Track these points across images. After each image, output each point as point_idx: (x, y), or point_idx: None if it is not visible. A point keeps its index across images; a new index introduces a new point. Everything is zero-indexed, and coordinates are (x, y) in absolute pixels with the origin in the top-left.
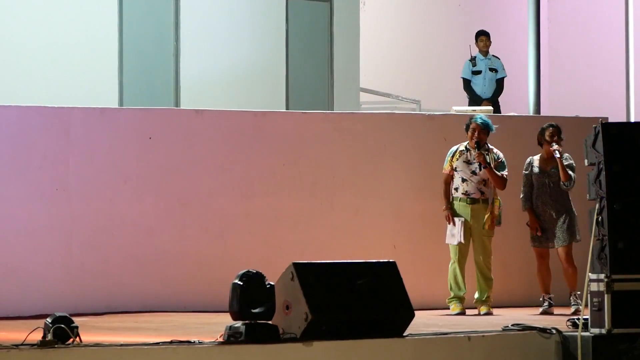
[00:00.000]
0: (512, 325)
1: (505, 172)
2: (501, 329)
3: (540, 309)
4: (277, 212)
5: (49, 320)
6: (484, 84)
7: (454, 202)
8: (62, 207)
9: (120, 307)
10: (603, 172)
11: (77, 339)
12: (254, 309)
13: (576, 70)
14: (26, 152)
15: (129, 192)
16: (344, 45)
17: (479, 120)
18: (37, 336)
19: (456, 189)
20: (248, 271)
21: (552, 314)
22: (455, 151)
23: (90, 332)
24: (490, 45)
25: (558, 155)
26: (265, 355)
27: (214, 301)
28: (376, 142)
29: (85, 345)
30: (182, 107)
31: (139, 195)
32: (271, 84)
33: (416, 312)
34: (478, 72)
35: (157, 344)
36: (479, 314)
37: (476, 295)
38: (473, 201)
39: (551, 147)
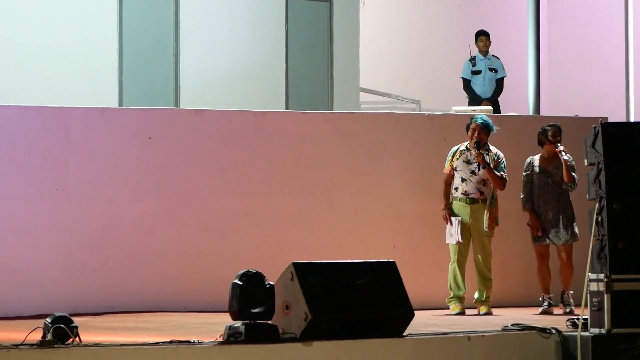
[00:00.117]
0: (511, 325)
1: (504, 172)
2: (501, 329)
3: (540, 309)
4: (277, 212)
5: (48, 320)
6: (484, 83)
7: (454, 202)
8: (62, 207)
9: (120, 307)
10: (603, 172)
11: (77, 339)
12: (253, 308)
13: (576, 70)
14: (26, 152)
15: (129, 192)
16: (343, 45)
17: (479, 120)
18: (37, 336)
19: (456, 189)
20: (248, 271)
21: (551, 313)
22: (456, 151)
23: (90, 332)
24: (490, 45)
25: (565, 157)
26: (264, 355)
27: (214, 301)
28: (376, 142)
29: (85, 345)
30: (181, 107)
31: (138, 195)
32: (271, 84)
33: (416, 312)
34: (478, 72)
35: (157, 344)
36: (478, 314)
37: (476, 295)
38: (472, 201)
39: (556, 147)
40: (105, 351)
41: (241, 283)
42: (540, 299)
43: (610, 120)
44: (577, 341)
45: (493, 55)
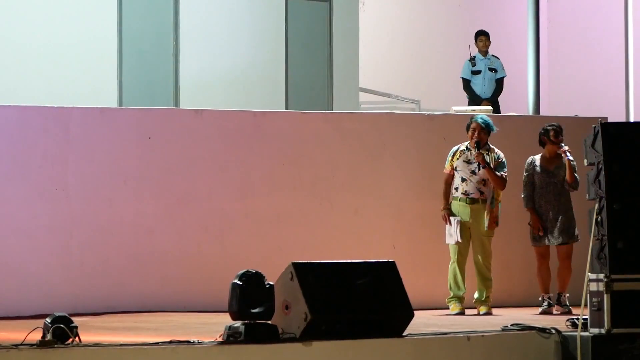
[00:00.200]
0: (511, 325)
1: (504, 172)
2: (500, 329)
3: (540, 309)
4: (276, 212)
5: (48, 320)
6: (484, 83)
7: (454, 201)
8: (62, 207)
9: (119, 307)
10: (602, 172)
11: (77, 339)
12: (253, 308)
13: (576, 70)
14: (26, 152)
15: (129, 192)
16: (343, 45)
17: (480, 120)
18: (37, 336)
19: (456, 189)
20: (247, 271)
21: (551, 313)
22: (456, 151)
23: (90, 332)
24: (489, 45)
25: (570, 157)
26: (264, 355)
27: (214, 301)
28: (376, 142)
29: (85, 345)
30: (181, 107)
31: (138, 195)
32: (270, 84)
33: (416, 312)
34: (477, 72)
35: (157, 344)
36: (478, 314)
37: (475, 295)
38: (472, 201)
39: (560, 147)
40: (105, 351)
41: (241, 283)
42: (540, 299)
43: (610, 120)
44: (577, 341)
45: (493, 55)
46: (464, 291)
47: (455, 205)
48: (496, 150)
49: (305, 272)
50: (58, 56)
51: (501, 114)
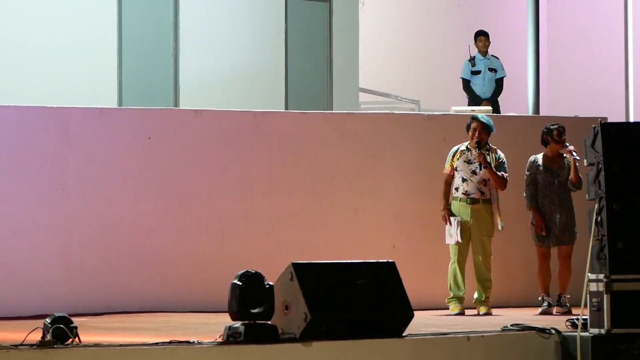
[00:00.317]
0: (511, 325)
1: (505, 172)
2: (500, 329)
3: (540, 309)
4: (276, 212)
5: (48, 320)
6: (484, 84)
7: (454, 202)
8: (61, 207)
9: (119, 307)
10: (602, 172)
11: (76, 339)
12: (253, 309)
13: (575, 70)
14: (25, 152)
15: (128, 192)
16: (343, 45)
17: (481, 120)
18: (36, 336)
19: (456, 189)
20: (247, 271)
21: (551, 314)
22: (456, 151)
23: (90, 332)
24: (489, 45)
25: (577, 157)
26: (264, 355)
27: (213, 301)
28: (375, 142)
29: (85, 346)
30: (181, 107)
31: (138, 195)
32: (270, 84)
33: (415, 312)
34: (477, 72)
35: (156, 344)
36: (478, 314)
37: (475, 296)
38: (473, 201)
39: (565, 147)
40: (105, 351)
41: (240, 283)
42: (539, 299)
43: (609, 120)
44: (577, 341)
45: (492, 55)
46: (464, 291)
47: (456, 206)
48: (497, 150)
49: (305, 273)
50: (58, 56)
51: (501, 114)
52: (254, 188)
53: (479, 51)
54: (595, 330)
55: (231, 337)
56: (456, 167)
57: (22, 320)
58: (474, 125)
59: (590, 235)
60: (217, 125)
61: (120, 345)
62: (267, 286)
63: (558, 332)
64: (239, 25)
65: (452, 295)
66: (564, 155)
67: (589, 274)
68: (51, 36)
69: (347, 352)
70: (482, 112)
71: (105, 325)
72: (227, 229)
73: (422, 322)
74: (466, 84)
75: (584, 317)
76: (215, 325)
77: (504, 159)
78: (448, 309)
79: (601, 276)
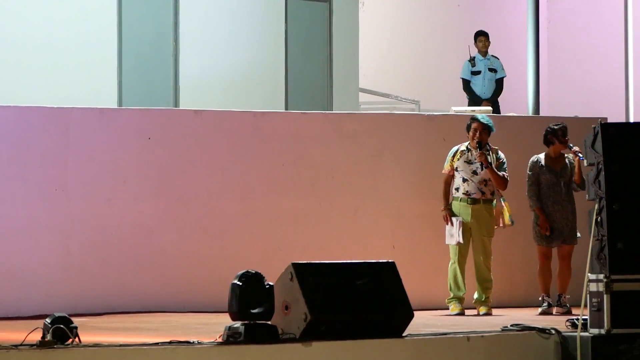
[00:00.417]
0: (511, 325)
1: (506, 173)
2: (500, 329)
3: (540, 309)
4: (276, 212)
5: (48, 320)
6: (484, 84)
7: (455, 202)
8: (61, 207)
9: (119, 307)
10: (602, 173)
11: (77, 339)
12: (253, 309)
13: (575, 70)
14: (25, 153)
15: (128, 193)
16: (343, 45)
17: (481, 120)
18: (36, 336)
19: (457, 189)
20: (247, 271)
21: (551, 314)
22: (456, 151)
23: (90, 332)
24: (489, 45)
25: (582, 158)
26: (264, 355)
27: (213, 301)
28: (375, 143)
29: (85, 346)
30: (181, 108)
31: (138, 196)
32: (270, 84)
33: (415, 313)
34: (477, 73)
35: (156, 344)
36: (478, 315)
37: (475, 296)
38: (474, 201)
39: (570, 147)
40: (105, 351)
41: (240, 283)
42: (540, 299)
43: (609, 120)
44: (577, 341)
45: (492, 56)
46: (464, 292)
47: (456, 206)
48: (497, 150)
49: (305, 273)
50: (58, 56)
51: (501, 114)
52: (254, 188)
53: (479, 51)
54: (595, 331)
55: (231, 337)
56: (456, 168)
57: (22, 320)
58: (474, 125)
59: (590, 235)
60: (217, 125)
61: (120, 345)
62: (267, 286)
63: (558, 332)
64: (238, 25)
65: (452, 295)
66: (565, 155)
67: (589, 274)
68: (51, 36)
69: (347, 352)
70: (482, 112)
71: (105, 325)
72: (227, 229)
73: (422, 322)
74: (466, 84)
75: (584, 317)
76: (215, 325)
77: (504, 159)
78: (448, 309)
79: (601, 276)
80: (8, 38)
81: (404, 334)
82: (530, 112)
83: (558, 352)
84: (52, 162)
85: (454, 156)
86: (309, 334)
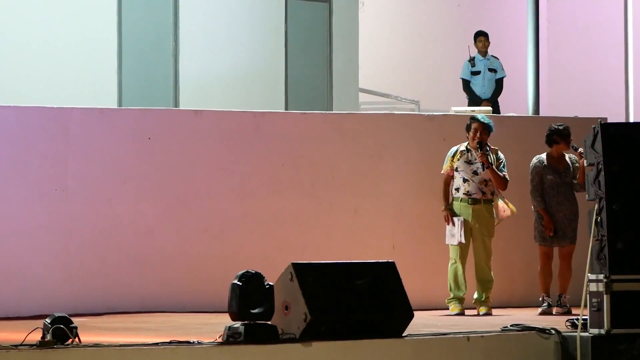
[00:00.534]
0: (511, 325)
1: (506, 173)
2: (500, 330)
3: (540, 309)
4: (276, 212)
5: (48, 320)
6: (483, 84)
7: (455, 202)
8: (61, 207)
9: (119, 307)
10: (602, 173)
11: (76, 339)
12: (253, 309)
13: (575, 70)
14: (25, 153)
15: (128, 193)
16: (343, 45)
17: (482, 120)
18: (36, 336)
19: (457, 189)
20: (247, 271)
21: (551, 314)
22: (456, 151)
23: (90, 332)
24: (489, 45)
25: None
26: (264, 355)
27: (213, 301)
28: (375, 143)
29: (85, 346)
30: (181, 108)
31: (138, 196)
32: (270, 84)
33: (415, 313)
34: (477, 73)
35: (156, 344)
36: (478, 315)
37: (475, 296)
38: (474, 201)
39: (575, 149)
40: (105, 351)
41: (240, 283)
42: (540, 299)
43: (609, 120)
44: (577, 342)
45: (492, 56)
46: (464, 292)
47: (457, 206)
48: (497, 150)
49: (304, 273)
50: (58, 56)
51: (501, 115)
52: (254, 188)
53: (479, 51)
54: (595, 331)
55: (231, 337)
56: (456, 168)
57: (22, 320)
58: (474, 125)
59: (590, 236)
60: (217, 125)
61: (120, 345)
62: (267, 286)
63: (558, 332)
64: (238, 25)
65: (452, 295)
66: (568, 155)
67: (588, 274)
68: (51, 36)
69: (347, 352)
70: (482, 112)
71: (105, 325)
72: (227, 229)
73: (422, 322)
74: (466, 85)
75: (583, 317)
76: (215, 325)
77: (504, 159)
78: (448, 309)
79: (601, 276)
80: (8, 38)
81: (403, 334)
82: (530, 112)
83: (558, 352)
84: (52, 162)
85: (453, 156)
86: (309, 334)
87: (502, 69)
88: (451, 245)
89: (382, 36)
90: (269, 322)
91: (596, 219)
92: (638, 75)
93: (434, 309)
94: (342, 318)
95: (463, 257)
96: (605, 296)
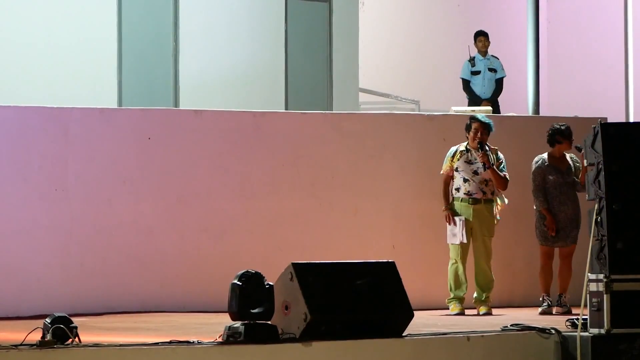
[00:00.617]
0: (511, 325)
1: (506, 172)
2: (500, 329)
3: (540, 309)
4: (276, 212)
5: (48, 320)
6: (483, 84)
7: (455, 202)
8: (61, 207)
9: (119, 307)
10: (602, 173)
11: (76, 339)
12: (253, 309)
13: (575, 70)
14: (25, 153)
15: (128, 193)
16: (343, 45)
17: (482, 120)
18: (36, 336)
19: (457, 189)
20: (247, 271)
21: (551, 314)
22: (455, 152)
23: (90, 332)
24: (488, 45)
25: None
26: (264, 355)
27: (213, 301)
28: (375, 143)
29: (85, 346)
30: (181, 108)
31: (138, 196)
32: (270, 84)
33: (415, 312)
34: (477, 73)
35: (156, 344)
36: (478, 314)
37: (475, 295)
38: (475, 201)
39: (580, 149)
40: (105, 351)
41: (240, 283)
42: (540, 299)
43: (609, 120)
44: (577, 341)
45: (492, 56)
46: (464, 292)
47: (457, 206)
48: (497, 150)
49: (304, 273)
50: (58, 56)
51: (501, 114)
52: (254, 188)
53: (479, 51)
54: (595, 330)
55: (231, 337)
56: (456, 168)
57: (22, 320)
58: (475, 126)
59: (590, 235)
60: (217, 125)
61: (120, 345)
62: (267, 286)
63: (558, 332)
64: (238, 25)
65: (452, 295)
66: (570, 155)
67: (588, 274)
68: (51, 36)
69: (347, 352)
70: (482, 112)
71: (105, 325)
72: (226, 229)
73: (422, 322)
74: (466, 84)
75: (583, 317)
76: (215, 325)
77: (504, 159)
78: (448, 309)
79: (601, 276)
80: (8, 38)
81: (403, 334)
82: (530, 112)
83: (558, 352)
84: (52, 162)
85: (453, 156)
86: (309, 334)
87: (502, 69)
88: (452, 244)
89: (382, 36)
90: (269, 322)
91: (596, 219)
92: (638, 75)
93: (434, 308)
94: (342, 318)
95: (463, 257)
96: (605, 296)
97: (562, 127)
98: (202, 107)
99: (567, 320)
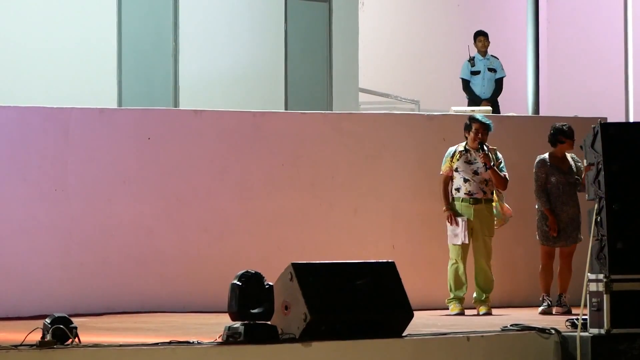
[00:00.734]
0: (511, 325)
1: (506, 172)
2: (500, 329)
3: (540, 309)
4: (276, 212)
5: (47, 320)
6: (483, 84)
7: (456, 202)
8: (61, 207)
9: (119, 307)
10: (602, 173)
11: (76, 339)
12: (252, 309)
13: (575, 70)
14: (25, 153)
15: (128, 193)
16: (342, 45)
17: (482, 121)
18: (36, 337)
19: (457, 190)
20: (247, 271)
21: (551, 314)
22: (455, 152)
23: (89, 332)
24: (488, 45)
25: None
26: (264, 355)
27: (213, 301)
28: (375, 143)
29: (84, 346)
30: (181, 108)
31: (137, 196)
32: (270, 84)
33: (415, 313)
34: (477, 73)
35: (156, 344)
36: (478, 314)
37: (475, 295)
38: (476, 201)
39: (581, 148)
40: (105, 352)
41: (240, 283)
42: (540, 299)
43: (609, 120)
44: (577, 341)
45: (492, 56)
46: (464, 292)
47: (458, 206)
48: (496, 150)
49: (304, 273)
50: (58, 56)
51: (501, 114)
52: (254, 188)
53: (479, 51)
54: (595, 330)
55: (231, 337)
56: (456, 168)
57: (22, 320)
58: (475, 126)
59: (590, 235)
60: (217, 125)
61: (120, 345)
62: (266, 286)
63: (558, 332)
64: (238, 25)
65: (452, 295)
66: (571, 155)
67: (588, 274)
68: (51, 37)
69: (347, 352)
70: (482, 112)
71: (105, 325)
72: (226, 229)
73: (422, 322)
74: (466, 84)
75: (583, 317)
76: (215, 325)
77: (503, 159)
78: (448, 309)
79: (601, 276)
80: (8, 38)
81: (403, 334)
82: (530, 112)
83: (558, 352)
84: (52, 162)
85: (452, 157)
86: (309, 334)
87: (502, 69)
88: (453, 245)
89: (382, 36)
90: (269, 322)
91: (596, 219)
92: (638, 75)
93: (434, 309)
94: (342, 318)
95: (464, 257)
96: (605, 296)
97: (565, 127)
98: (202, 107)
99: (567, 321)
